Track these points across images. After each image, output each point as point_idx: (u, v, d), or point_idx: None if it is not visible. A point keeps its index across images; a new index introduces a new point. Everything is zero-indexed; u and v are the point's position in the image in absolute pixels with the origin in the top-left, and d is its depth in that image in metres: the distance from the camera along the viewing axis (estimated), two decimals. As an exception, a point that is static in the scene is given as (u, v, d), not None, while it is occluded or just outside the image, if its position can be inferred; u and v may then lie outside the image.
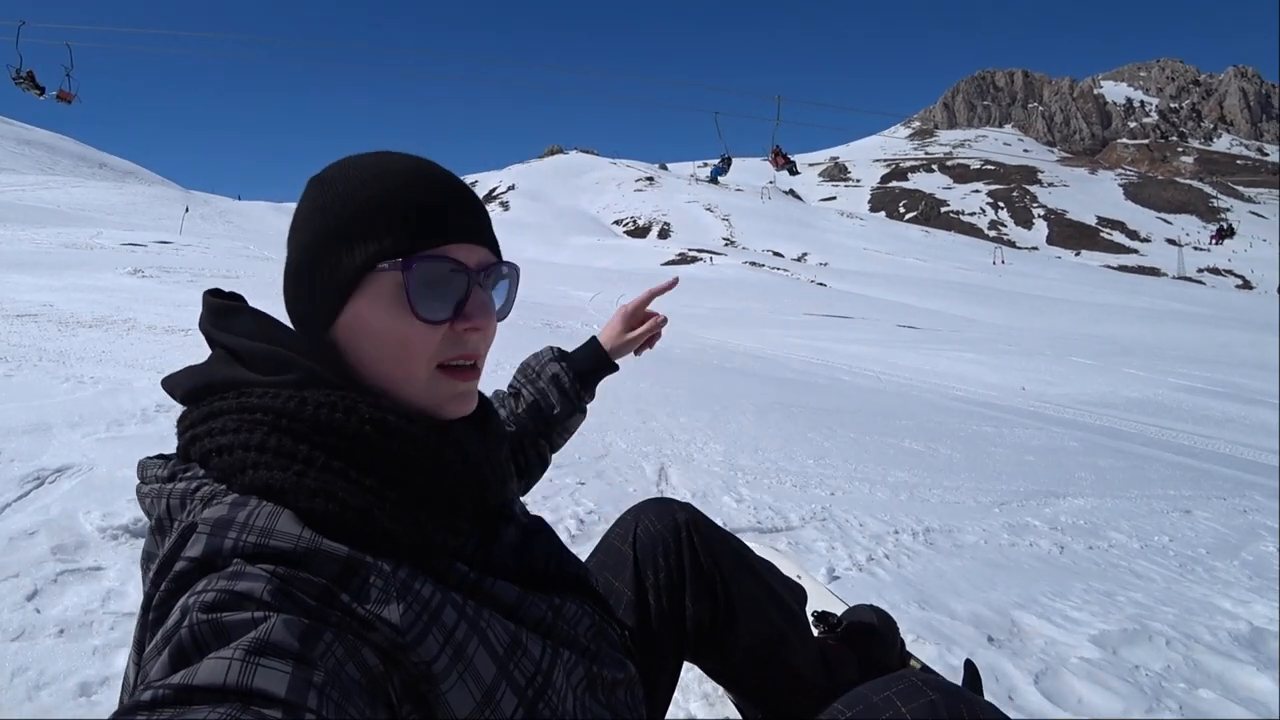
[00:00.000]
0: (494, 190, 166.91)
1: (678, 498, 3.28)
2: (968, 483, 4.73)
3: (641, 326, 1.32)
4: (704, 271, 50.43)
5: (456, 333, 0.71)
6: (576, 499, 2.96)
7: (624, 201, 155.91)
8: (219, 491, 0.62)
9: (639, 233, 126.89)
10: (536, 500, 2.81)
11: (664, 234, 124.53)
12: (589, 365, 1.28)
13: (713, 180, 24.65)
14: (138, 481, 0.69)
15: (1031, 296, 47.57)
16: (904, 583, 2.69)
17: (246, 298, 0.75)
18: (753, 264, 60.66)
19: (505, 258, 0.79)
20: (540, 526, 0.86)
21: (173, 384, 0.71)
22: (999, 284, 59.31)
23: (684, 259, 63.80)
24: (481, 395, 0.84)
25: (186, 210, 36.05)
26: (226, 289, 0.75)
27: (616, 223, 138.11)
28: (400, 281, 0.68)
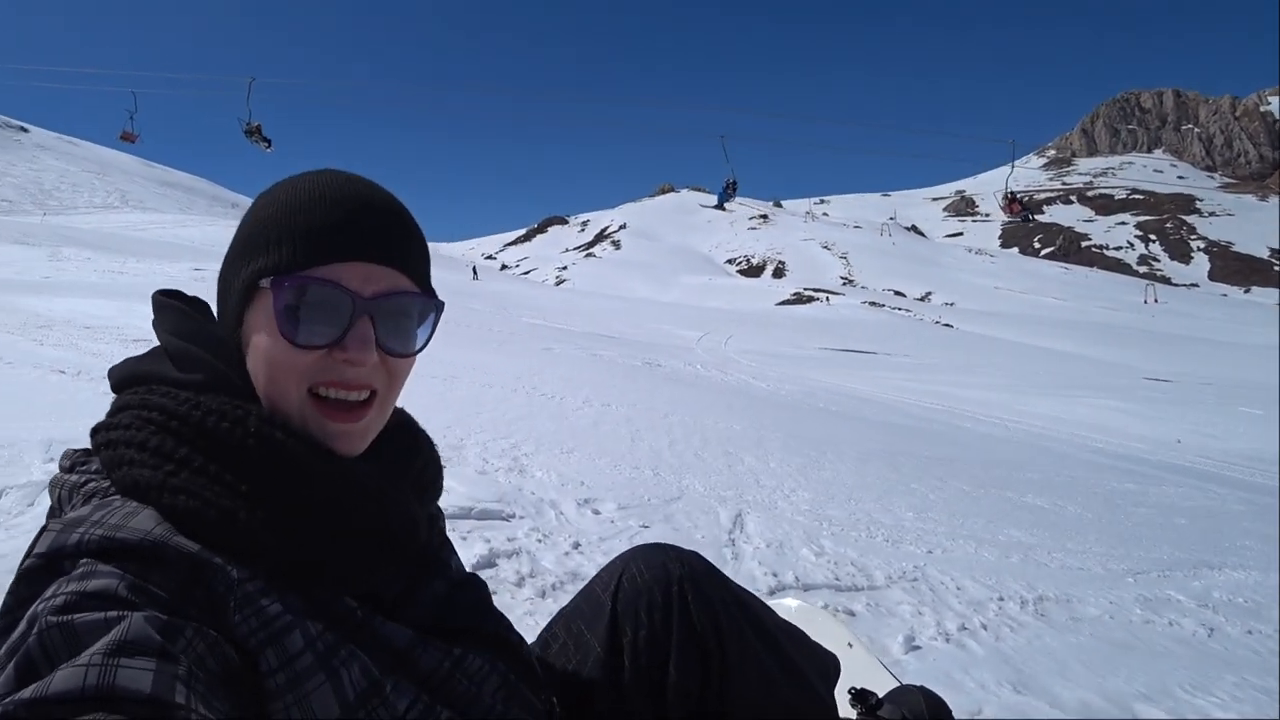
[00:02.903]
0: (605, 229, 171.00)
1: (747, 548, 3.10)
2: (1097, 546, 4.19)
3: None
4: (820, 311, 49.08)
5: (335, 361, 0.68)
6: (635, 542, 2.84)
7: (737, 240, 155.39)
8: (101, 489, 0.63)
9: (752, 272, 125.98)
10: (592, 542, 2.73)
11: (779, 273, 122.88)
12: None
13: (719, 206, 24.24)
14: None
15: (1190, 339, 42.68)
16: (999, 659, 2.37)
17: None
18: (872, 304, 58.36)
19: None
20: (470, 581, 0.82)
21: (112, 372, 0.73)
22: (1151, 325, 53.82)
23: (799, 299, 62.50)
24: (408, 432, 0.82)
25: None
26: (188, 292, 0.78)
27: (729, 262, 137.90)
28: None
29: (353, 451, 0.70)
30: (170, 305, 0.75)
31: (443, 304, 0.75)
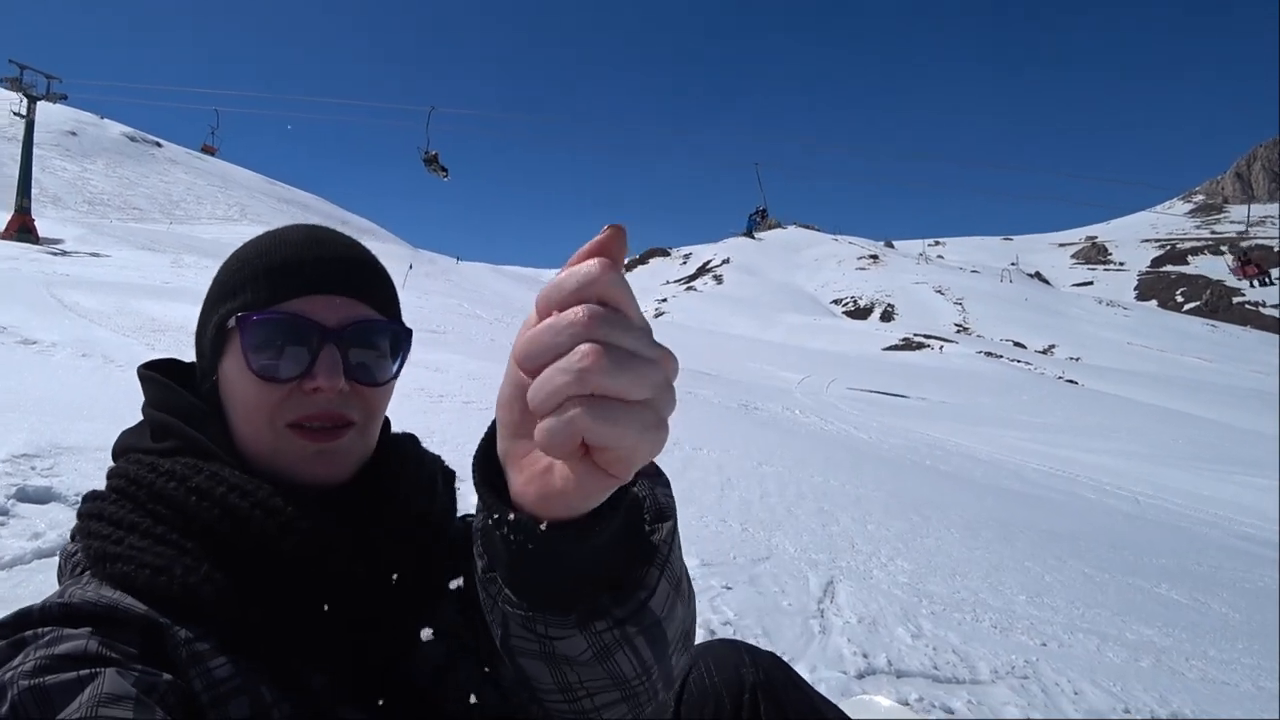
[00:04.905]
0: (708, 263, 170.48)
1: (836, 621, 2.92)
2: (1247, 656, 3.69)
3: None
4: (930, 360, 46.81)
5: (305, 392, 0.69)
6: (715, 605, 2.74)
7: (844, 280, 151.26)
8: (84, 561, 0.66)
9: (860, 314, 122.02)
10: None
11: (886, 316, 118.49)
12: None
13: (747, 233, 23.82)
14: None
15: (1370, 412, 37.44)
16: (1124, 789, 2.09)
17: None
18: (988, 354, 54.95)
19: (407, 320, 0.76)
20: (455, 663, 0.72)
21: (113, 446, 0.76)
22: (1319, 393, 47.67)
23: (908, 344, 59.87)
24: (396, 462, 0.77)
25: (410, 268, 41.08)
26: (186, 358, 0.81)
27: (835, 302, 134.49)
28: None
29: (336, 474, 0.71)
30: (150, 378, 0.77)
31: (411, 332, 0.76)
